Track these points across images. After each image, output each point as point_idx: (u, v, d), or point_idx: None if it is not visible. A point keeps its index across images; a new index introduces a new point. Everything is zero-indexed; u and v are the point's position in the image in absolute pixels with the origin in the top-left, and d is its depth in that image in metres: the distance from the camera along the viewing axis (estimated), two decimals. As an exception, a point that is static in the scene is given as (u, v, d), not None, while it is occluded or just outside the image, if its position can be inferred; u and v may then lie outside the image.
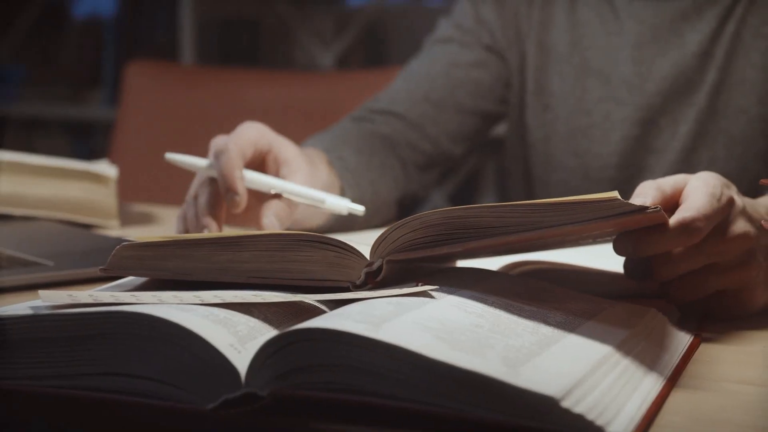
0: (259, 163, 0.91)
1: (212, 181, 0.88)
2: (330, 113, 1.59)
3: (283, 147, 0.92)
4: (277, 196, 0.88)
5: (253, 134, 0.90)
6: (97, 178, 1.14)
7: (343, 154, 1.06)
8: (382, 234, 0.63)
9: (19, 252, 0.88)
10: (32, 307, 0.56)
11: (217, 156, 0.87)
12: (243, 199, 0.86)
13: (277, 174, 0.91)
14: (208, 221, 0.86)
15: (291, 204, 0.89)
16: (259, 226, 0.87)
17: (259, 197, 0.89)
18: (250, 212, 0.90)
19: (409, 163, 1.18)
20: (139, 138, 1.86)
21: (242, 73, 2.06)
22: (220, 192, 0.87)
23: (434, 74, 1.21)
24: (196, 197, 0.89)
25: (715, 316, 0.72)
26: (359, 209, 0.90)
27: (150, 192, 1.65)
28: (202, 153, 0.92)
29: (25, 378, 0.55)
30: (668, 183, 0.70)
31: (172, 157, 0.90)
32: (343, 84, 1.94)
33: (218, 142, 0.90)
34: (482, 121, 1.24)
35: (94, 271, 0.79)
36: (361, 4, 2.85)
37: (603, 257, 0.76)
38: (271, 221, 0.86)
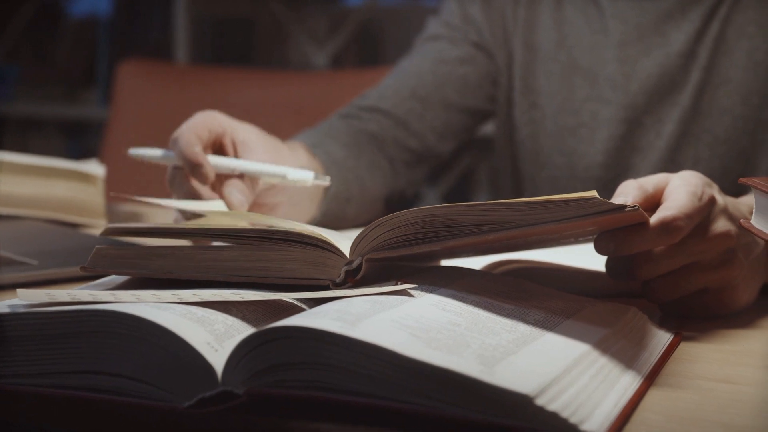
0: (218, 147, 0.92)
1: (180, 171, 0.89)
2: (323, 112, 1.59)
3: (239, 129, 0.93)
4: (240, 176, 0.89)
5: (203, 119, 0.91)
6: (85, 178, 1.14)
7: (329, 149, 1.07)
8: (362, 232, 0.63)
9: (4, 251, 0.88)
10: (10, 306, 0.56)
11: (173, 142, 0.89)
12: (210, 170, 0.87)
13: (236, 156, 0.92)
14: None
15: (252, 181, 0.89)
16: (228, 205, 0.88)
17: (224, 181, 0.90)
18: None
19: (396, 160, 1.18)
20: (131, 137, 1.86)
21: (235, 72, 2.06)
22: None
23: (422, 70, 1.21)
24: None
25: (696, 315, 0.73)
26: (324, 180, 0.91)
27: (141, 191, 1.65)
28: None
29: (3, 377, 0.55)
30: (650, 182, 0.70)
31: (136, 152, 0.92)
32: (336, 83, 1.94)
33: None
34: (469, 118, 1.24)
35: (78, 270, 0.79)
36: (355, 3, 2.85)
37: (585, 256, 0.76)
38: (238, 198, 0.87)
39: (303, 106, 1.83)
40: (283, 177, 0.89)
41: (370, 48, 2.79)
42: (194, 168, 0.87)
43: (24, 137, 3.07)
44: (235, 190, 0.87)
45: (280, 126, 1.89)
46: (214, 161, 0.88)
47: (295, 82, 1.99)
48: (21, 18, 3.07)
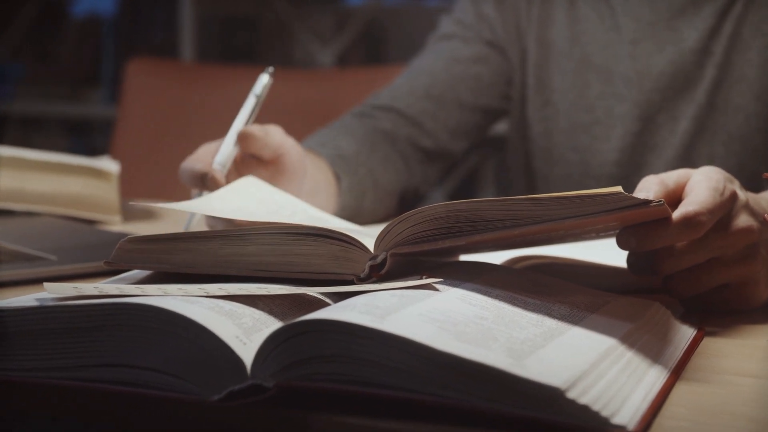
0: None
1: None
2: (329, 111, 1.60)
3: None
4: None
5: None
6: (99, 174, 1.14)
7: (340, 144, 1.07)
8: (386, 227, 0.63)
9: (22, 247, 0.88)
10: (38, 299, 0.56)
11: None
12: (217, 174, 0.86)
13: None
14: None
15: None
16: None
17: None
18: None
19: (410, 158, 1.18)
20: (139, 135, 1.86)
21: (242, 70, 2.06)
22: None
23: (435, 70, 1.21)
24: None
25: (717, 310, 0.73)
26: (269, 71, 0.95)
27: (151, 189, 1.65)
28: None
29: (30, 370, 0.55)
30: (671, 177, 0.70)
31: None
32: (342, 81, 1.94)
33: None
34: (482, 116, 1.24)
35: (98, 265, 0.79)
36: (360, 3, 2.85)
37: (605, 251, 0.76)
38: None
39: (309, 104, 1.84)
40: (253, 95, 0.93)
41: (375, 47, 2.79)
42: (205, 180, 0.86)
43: (27, 136, 3.08)
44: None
45: (287, 123, 1.89)
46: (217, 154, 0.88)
47: (300, 80, 1.99)
48: (25, 17, 3.07)
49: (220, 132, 0.91)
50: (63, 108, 2.99)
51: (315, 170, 0.98)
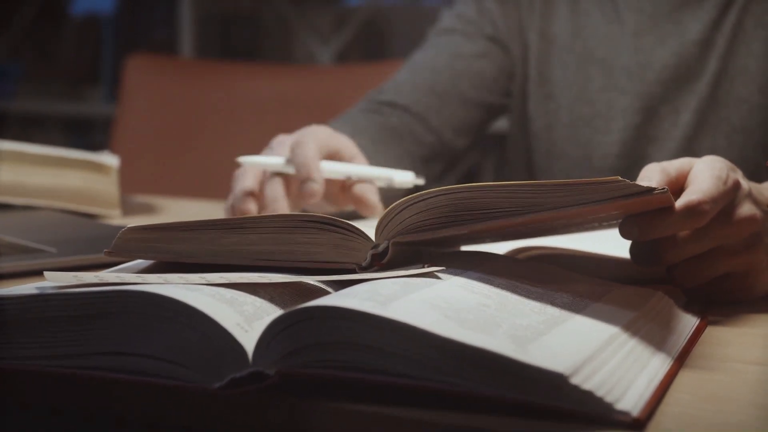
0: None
1: (277, 176, 0.90)
2: (328, 107, 1.59)
3: (347, 146, 0.97)
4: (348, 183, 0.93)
5: (324, 134, 0.94)
6: (99, 168, 1.14)
7: (362, 143, 1.06)
8: (387, 215, 0.63)
9: (22, 239, 0.88)
10: (38, 288, 0.56)
11: (295, 148, 0.90)
12: (320, 187, 0.89)
13: None
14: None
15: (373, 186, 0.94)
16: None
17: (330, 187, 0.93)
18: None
19: (415, 157, 1.18)
20: (139, 131, 1.86)
21: (242, 66, 2.06)
22: (287, 184, 0.90)
23: (438, 66, 1.21)
24: (250, 193, 0.90)
25: (720, 300, 0.72)
26: (421, 180, 0.97)
27: (151, 185, 1.65)
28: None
29: (30, 358, 0.54)
30: (673, 166, 0.70)
31: (246, 159, 0.92)
32: (341, 78, 1.94)
33: (284, 139, 0.92)
34: (485, 113, 1.24)
35: (98, 257, 0.79)
36: (360, 2, 2.84)
37: (607, 242, 0.76)
38: (375, 199, 0.92)
39: (308, 100, 1.84)
40: (389, 179, 0.94)
41: (375, 46, 2.79)
42: (307, 182, 0.88)
43: (26, 135, 3.06)
44: (369, 191, 0.91)
45: (286, 120, 1.89)
46: (328, 167, 0.91)
47: (300, 76, 1.99)
48: (24, 15, 3.07)
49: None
50: (63, 106, 2.99)
51: None
